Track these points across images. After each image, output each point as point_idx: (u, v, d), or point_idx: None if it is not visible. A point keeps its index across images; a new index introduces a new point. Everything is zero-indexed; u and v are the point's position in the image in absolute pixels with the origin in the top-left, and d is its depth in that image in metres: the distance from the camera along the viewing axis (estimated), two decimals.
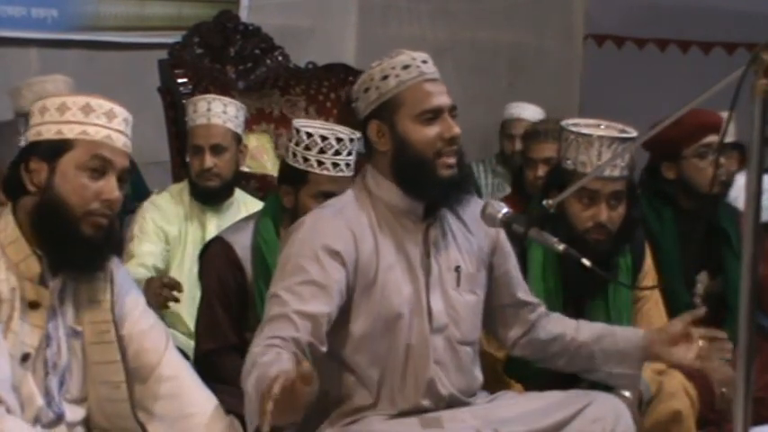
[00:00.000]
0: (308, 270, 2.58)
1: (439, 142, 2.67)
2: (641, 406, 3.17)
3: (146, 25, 5.70)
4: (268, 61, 5.23)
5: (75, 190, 2.47)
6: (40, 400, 2.49)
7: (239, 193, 4.19)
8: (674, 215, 3.76)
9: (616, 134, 3.17)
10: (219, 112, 4.08)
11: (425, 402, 2.72)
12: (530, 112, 6.01)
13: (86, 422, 2.59)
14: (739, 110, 2.15)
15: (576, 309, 3.20)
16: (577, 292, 3.25)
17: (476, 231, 2.82)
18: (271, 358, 2.39)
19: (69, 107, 2.51)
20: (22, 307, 2.47)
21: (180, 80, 4.91)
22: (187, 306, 3.77)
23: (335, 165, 3.26)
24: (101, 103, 2.52)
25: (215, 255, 3.37)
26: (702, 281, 3.79)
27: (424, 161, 2.67)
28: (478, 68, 6.90)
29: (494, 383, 3.02)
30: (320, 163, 3.26)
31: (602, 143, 3.15)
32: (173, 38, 5.20)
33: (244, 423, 2.56)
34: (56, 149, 2.49)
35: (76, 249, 2.49)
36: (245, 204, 4.11)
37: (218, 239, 3.42)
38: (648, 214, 3.69)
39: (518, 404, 2.80)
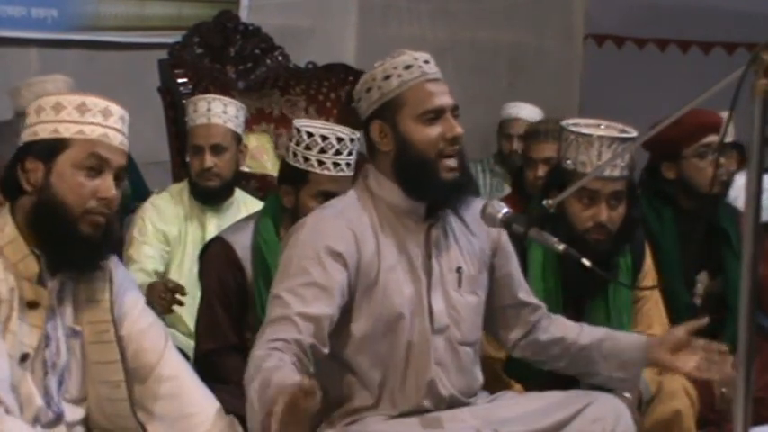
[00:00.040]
0: (310, 271, 2.58)
1: (441, 142, 2.67)
2: (641, 406, 3.17)
3: (146, 25, 5.70)
4: (268, 61, 5.23)
5: (72, 189, 2.47)
6: (39, 400, 2.49)
7: (239, 193, 4.19)
8: (674, 215, 3.76)
9: (616, 134, 3.17)
10: (220, 111, 4.08)
11: (426, 403, 2.72)
12: (527, 111, 6.01)
13: (86, 422, 2.59)
14: (739, 110, 2.15)
15: (575, 309, 3.21)
16: (577, 292, 3.25)
17: (477, 232, 2.82)
18: (274, 364, 2.40)
19: (65, 106, 2.50)
20: (20, 307, 2.47)
21: (180, 80, 4.91)
22: (187, 306, 3.77)
23: (336, 164, 3.26)
24: (96, 102, 2.52)
25: (215, 255, 3.37)
26: (702, 281, 3.79)
27: (427, 161, 2.67)
28: (478, 68, 6.90)
29: (493, 383, 3.02)
30: (321, 163, 3.26)
31: (602, 143, 3.15)
32: (173, 38, 5.21)
33: (244, 423, 2.56)
34: (52, 149, 2.48)
35: (75, 248, 2.49)
36: (245, 204, 4.11)
37: (218, 239, 3.42)
38: (648, 214, 3.69)
39: (518, 404, 2.80)
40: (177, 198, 4.15)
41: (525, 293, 2.93)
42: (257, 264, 3.30)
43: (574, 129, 3.20)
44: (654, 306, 3.39)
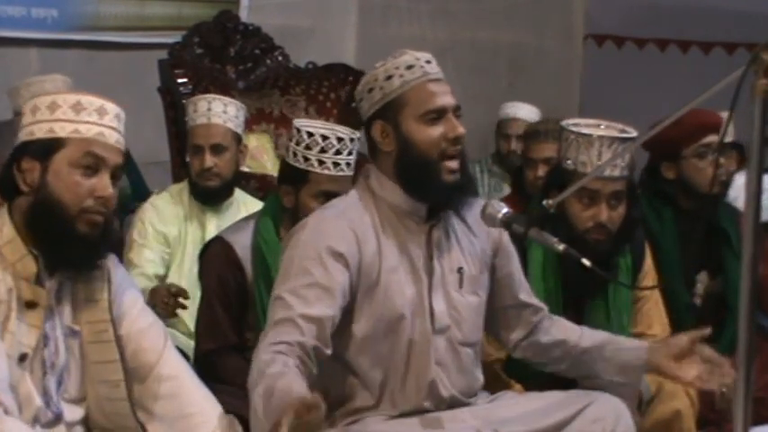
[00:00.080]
0: (312, 272, 2.58)
1: (443, 142, 2.67)
2: (641, 406, 3.17)
3: (146, 25, 5.70)
4: (268, 61, 5.23)
5: (69, 188, 2.47)
6: (38, 401, 2.49)
7: (239, 193, 4.19)
8: (674, 215, 3.76)
9: (616, 134, 3.17)
10: (220, 111, 4.08)
11: (426, 404, 2.72)
12: (525, 111, 6.01)
13: (85, 422, 2.59)
14: (739, 110, 2.15)
15: (576, 309, 3.21)
16: (577, 292, 3.25)
17: (479, 233, 2.82)
18: (278, 369, 2.40)
19: (60, 105, 2.50)
20: (18, 307, 2.47)
21: (180, 80, 4.91)
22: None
23: (336, 164, 3.26)
24: (91, 101, 2.52)
25: (215, 255, 3.37)
26: (702, 281, 3.79)
27: (429, 162, 2.67)
28: (478, 68, 6.90)
29: (493, 384, 3.02)
30: (321, 162, 3.26)
31: (603, 143, 3.14)
32: (173, 38, 5.21)
33: (244, 423, 2.56)
34: (48, 148, 2.48)
35: (72, 248, 2.48)
36: (245, 204, 4.11)
37: (218, 239, 3.42)
38: (648, 214, 3.69)
39: (518, 404, 2.80)
40: (177, 198, 4.15)
41: (526, 294, 2.93)
42: (257, 263, 3.30)
43: (574, 129, 3.20)
44: (654, 306, 3.39)
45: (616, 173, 3.16)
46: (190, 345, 3.59)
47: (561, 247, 2.63)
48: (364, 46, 6.47)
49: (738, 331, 2.08)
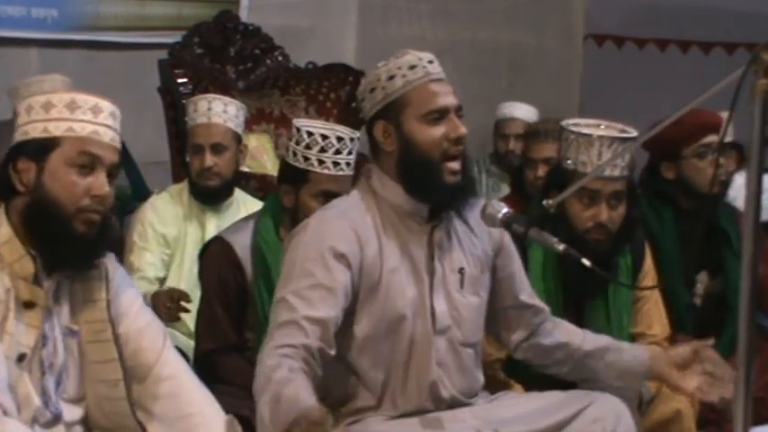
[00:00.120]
0: (315, 273, 2.58)
1: (445, 142, 2.67)
2: (641, 406, 3.17)
3: (146, 25, 5.70)
4: (268, 61, 5.23)
5: (65, 187, 2.46)
6: (37, 401, 2.48)
7: (239, 193, 4.18)
8: (674, 215, 3.76)
9: (616, 134, 3.17)
10: (220, 111, 4.08)
11: (427, 404, 2.72)
12: (523, 111, 6.01)
13: (85, 421, 2.58)
14: (739, 110, 2.15)
15: (576, 309, 3.21)
16: (577, 292, 3.25)
17: (480, 234, 2.82)
18: (284, 375, 2.40)
19: (55, 104, 2.49)
20: (16, 307, 2.46)
21: (180, 80, 4.91)
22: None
23: (336, 164, 3.26)
24: (86, 99, 2.51)
25: (215, 254, 3.37)
26: (702, 281, 3.79)
27: (430, 162, 2.67)
28: (478, 68, 6.90)
29: (493, 384, 3.01)
30: (321, 162, 3.26)
31: (603, 143, 3.15)
32: (173, 38, 5.21)
33: (244, 423, 2.56)
34: (43, 148, 2.47)
35: (70, 247, 2.48)
36: (245, 204, 4.11)
37: (217, 239, 3.42)
38: (648, 214, 3.69)
39: (518, 404, 2.80)
40: (177, 198, 4.14)
41: (528, 296, 2.92)
42: (257, 263, 3.30)
43: (574, 129, 3.20)
44: (654, 306, 3.39)
45: (616, 173, 3.16)
46: (190, 345, 3.60)
47: (561, 247, 2.63)
48: (364, 46, 6.47)
49: (738, 331, 2.08)
